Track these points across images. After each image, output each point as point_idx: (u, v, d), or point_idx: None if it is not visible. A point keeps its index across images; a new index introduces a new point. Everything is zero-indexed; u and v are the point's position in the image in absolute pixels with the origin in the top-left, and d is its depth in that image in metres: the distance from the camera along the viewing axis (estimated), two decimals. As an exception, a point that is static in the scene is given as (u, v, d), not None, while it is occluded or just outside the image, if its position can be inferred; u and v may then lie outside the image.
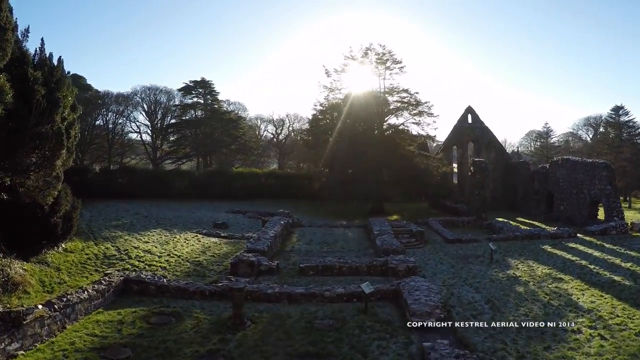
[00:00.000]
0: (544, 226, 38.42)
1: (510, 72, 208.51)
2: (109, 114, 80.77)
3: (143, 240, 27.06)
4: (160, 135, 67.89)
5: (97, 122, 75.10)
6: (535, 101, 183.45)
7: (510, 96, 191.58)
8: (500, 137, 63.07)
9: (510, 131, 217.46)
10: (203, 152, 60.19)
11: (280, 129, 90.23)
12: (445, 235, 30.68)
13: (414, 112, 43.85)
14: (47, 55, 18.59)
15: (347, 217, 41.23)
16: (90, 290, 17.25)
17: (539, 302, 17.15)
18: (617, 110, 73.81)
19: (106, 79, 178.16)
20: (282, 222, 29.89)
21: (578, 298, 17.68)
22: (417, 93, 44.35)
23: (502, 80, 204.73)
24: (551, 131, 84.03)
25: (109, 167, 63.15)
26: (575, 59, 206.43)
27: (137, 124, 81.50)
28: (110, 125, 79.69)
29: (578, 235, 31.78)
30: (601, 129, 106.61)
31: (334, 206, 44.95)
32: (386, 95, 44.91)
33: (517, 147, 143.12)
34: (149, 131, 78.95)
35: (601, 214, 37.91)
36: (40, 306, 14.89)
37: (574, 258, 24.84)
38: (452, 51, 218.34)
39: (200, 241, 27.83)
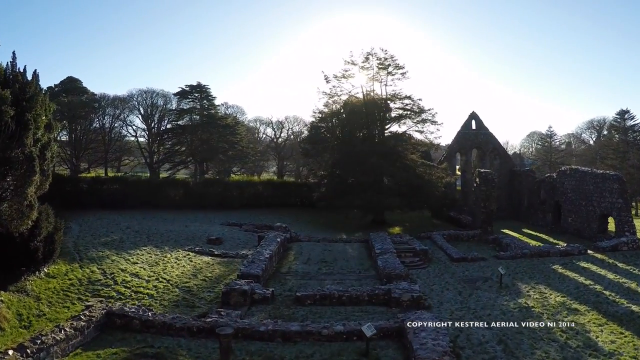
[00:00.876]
0: (552, 240, 37.08)
1: (511, 74, 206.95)
2: (106, 117, 79.48)
3: (131, 260, 25.68)
4: (157, 140, 66.46)
5: (94, 126, 73.77)
6: (535, 102, 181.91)
7: (510, 97, 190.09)
8: (501, 139, 61.73)
9: (510, 131, 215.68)
10: (199, 159, 58.68)
11: (279, 131, 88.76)
12: (450, 252, 29.25)
13: (417, 119, 42.40)
14: (21, 69, 17.11)
15: (347, 229, 39.84)
16: (67, 329, 15.80)
17: (556, 343, 15.73)
18: (623, 114, 72.22)
19: (103, 81, 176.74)
20: (278, 240, 28.45)
21: (597, 336, 16.26)
22: (420, 100, 42.94)
23: (503, 82, 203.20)
24: (554, 135, 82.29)
25: (102, 175, 61.87)
26: (576, 60, 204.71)
27: (134, 127, 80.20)
28: (107, 127, 78.38)
29: (589, 251, 30.45)
30: (605, 132, 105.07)
31: (334, 216, 43.49)
32: (388, 101, 43.40)
33: (520, 149, 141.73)
34: (145, 135, 77.59)
35: (611, 223, 36.64)
36: (10, 352, 13.50)
37: (587, 282, 23.41)
38: (450, 53, 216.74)
39: (192, 261, 26.42)
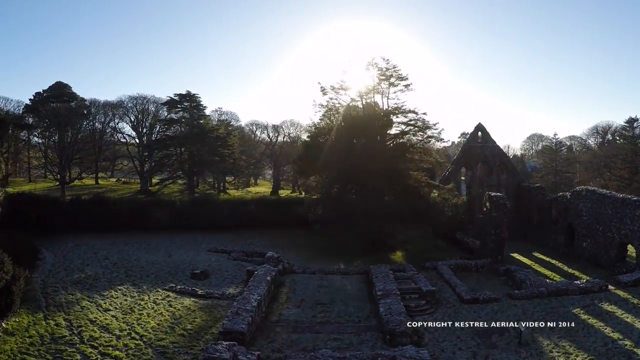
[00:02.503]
0: (566, 268, 34.41)
1: (511, 76, 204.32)
2: (96, 123, 77.01)
3: (103, 306, 22.97)
4: (146, 150, 63.68)
5: (82, 133, 71.05)
6: (535, 104, 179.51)
7: (509, 99, 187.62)
8: (501, 143, 58.73)
9: (509, 132, 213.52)
10: (189, 173, 55.71)
11: (276, 137, 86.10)
12: (460, 291, 26.49)
13: (422, 136, 39.51)
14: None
15: (345, 254, 36.97)
16: None
17: None
18: (632, 122, 69.59)
19: (97, 85, 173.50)
20: (268, 278, 25.63)
21: None
22: (424, 114, 39.93)
23: (502, 83, 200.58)
24: (560, 143, 79.36)
25: (92, 184, 58.98)
26: (576, 62, 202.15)
27: (124, 135, 77.57)
28: (97, 134, 75.88)
29: (609, 287, 27.88)
30: (609, 137, 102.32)
31: (331, 238, 40.51)
32: (390, 115, 40.47)
33: (520, 152, 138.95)
34: (135, 141, 74.96)
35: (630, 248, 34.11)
36: None
37: (615, 335, 20.78)
38: (449, 55, 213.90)
39: (171, 306, 23.63)
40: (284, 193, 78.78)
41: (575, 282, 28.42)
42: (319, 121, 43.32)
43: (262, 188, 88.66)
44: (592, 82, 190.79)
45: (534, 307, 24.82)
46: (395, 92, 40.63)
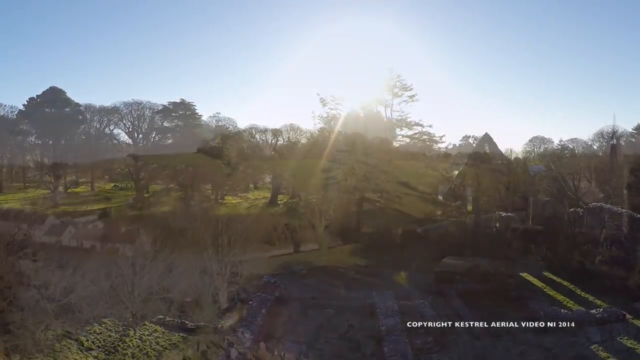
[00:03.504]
0: (579, 291, 32.59)
1: (509, 77, 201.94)
2: (92, 129, 75.42)
3: (85, 344, 21.17)
4: (141, 159, 61.94)
5: (77, 139, 69.47)
6: (535, 105, 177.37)
7: (507, 99, 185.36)
8: (503, 147, 56.82)
9: (511, 136, 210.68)
10: (183, 184, 53.99)
11: (275, 141, 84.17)
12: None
13: (429, 152, 37.85)
14: None
15: (346, 274, 35.24)
16: None
17: None
18: (640, 129, 67.55)
19: (96, 89, 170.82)
20: (263, 311, 24.03)
21: None
22: (430, 126, 38.35)
23: (502, 86, 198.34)
24: (566, 149, 77.25)
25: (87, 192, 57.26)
26: (575, 65, 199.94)
27: (120, 142, 75.95)
28: (93, 141, 74.34)
29: (627, 316, 26.22)
30: (613, 142, 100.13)
31: (331, 254, 38.76)
32: (395, 128, 38.86)
33: (522, 155, 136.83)
34: (132, 148, 73.24)
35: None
36: None
37: (641, 380, 19.08)
38: (447, 56, 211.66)
39: (158, 344, 21.89)
40: (283, 199, 76.90)
41: (591, 311, 26.69)
42: (318, 132, 41.74)
43: (262, 193, 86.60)
44: (594, 85, 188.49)
45: (550, 342, 23.13)
46: (399, 104, 39.16)
